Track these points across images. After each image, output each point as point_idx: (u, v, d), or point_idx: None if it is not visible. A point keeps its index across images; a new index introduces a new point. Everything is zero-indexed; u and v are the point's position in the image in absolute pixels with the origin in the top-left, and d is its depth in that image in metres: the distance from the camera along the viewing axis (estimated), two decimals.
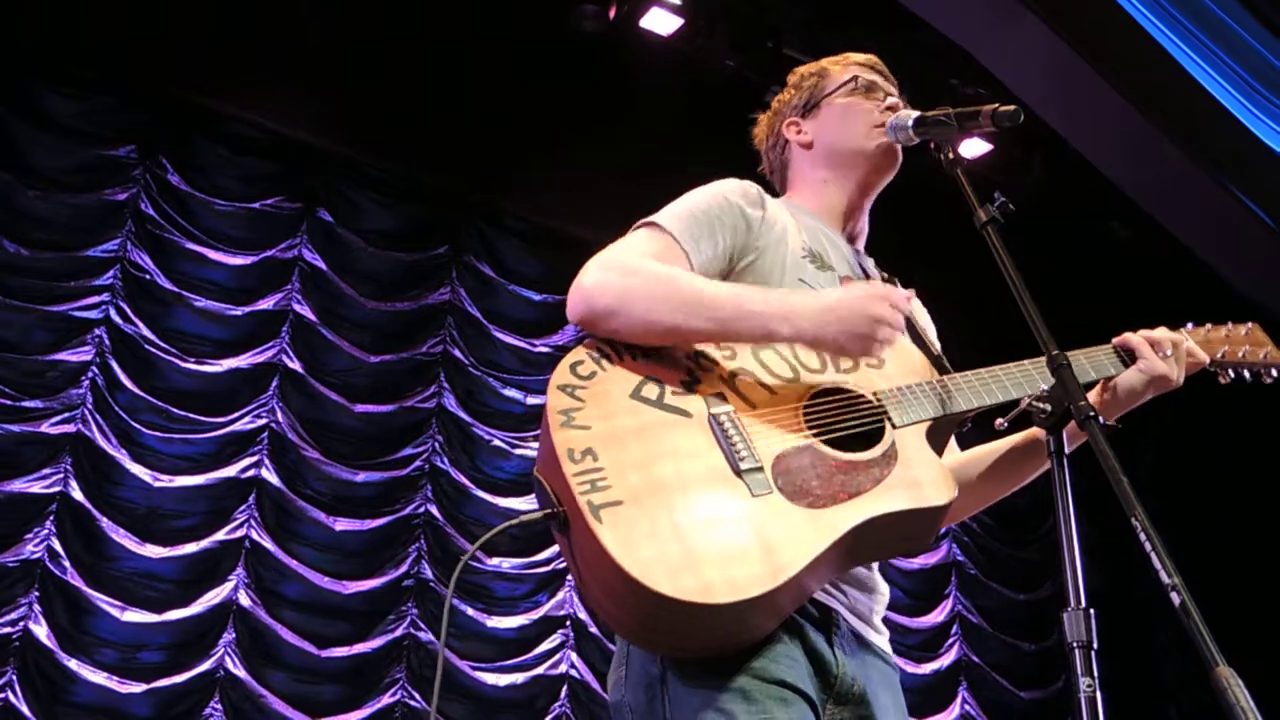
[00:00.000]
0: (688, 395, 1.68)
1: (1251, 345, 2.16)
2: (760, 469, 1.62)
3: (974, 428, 1.93)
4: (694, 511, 1.55)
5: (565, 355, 1.69)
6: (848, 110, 2.10)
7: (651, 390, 1.67)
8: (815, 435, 1.70)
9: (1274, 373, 2.18)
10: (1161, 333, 2.02)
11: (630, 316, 1.68)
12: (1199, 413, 8.38)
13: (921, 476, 1.71)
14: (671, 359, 1.71)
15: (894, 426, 1.74)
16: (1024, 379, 1.89)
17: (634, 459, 1.58)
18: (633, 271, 1.72)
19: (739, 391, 1.72)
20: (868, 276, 2.03)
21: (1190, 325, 2.14)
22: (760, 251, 1.88)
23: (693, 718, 1.59)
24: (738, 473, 1.61)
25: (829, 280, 1.94)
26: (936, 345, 1.99)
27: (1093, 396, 1.96)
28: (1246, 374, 2.15)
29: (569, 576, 6.62)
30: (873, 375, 1.81)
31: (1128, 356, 1.98)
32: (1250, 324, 2.20)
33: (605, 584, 1.53)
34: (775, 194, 2.15)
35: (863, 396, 1.77)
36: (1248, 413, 8.16)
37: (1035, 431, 1.99)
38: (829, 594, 1.73)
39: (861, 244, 2.14)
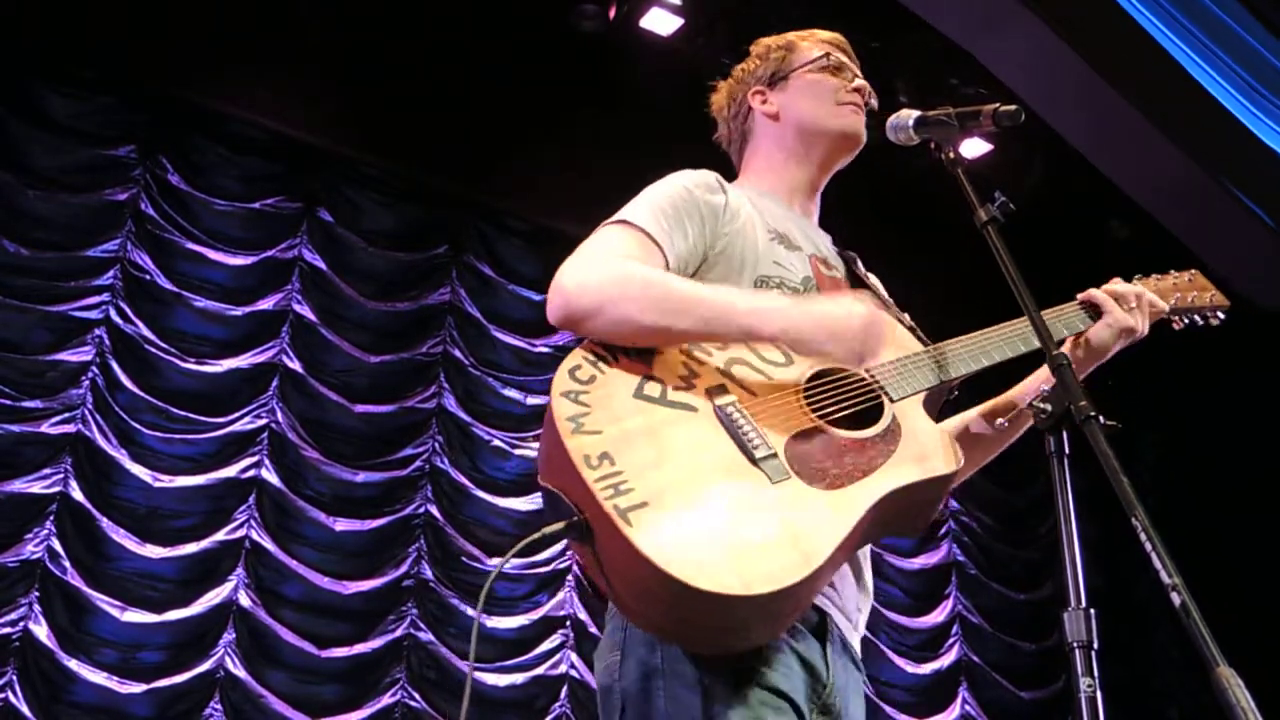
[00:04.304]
0: (689, 390, 1.68)
1: (1198, 290, 2.26)
2: (774, 455, 1.63)
3: (961, 394, 1.98)
4: (719, 505, 1.55)
5: (563, 360, 1.67)
6: (817, 86, 2.10)
7: (654, 388, 1.66)
8: (820, 417, 1.71)
9: (1220, 314, 2.27)
10: (1124, 286, 2.11)
11: (611, 318, 1.67)
12: (1200, 412, 8.38)
13: (928, 447, 1.74)
14: (667, 356, 1.71)
15: (892, 401, 1.77)
16: (1015, 338, 1.96)
17: (650, 459, 1.56)
18: (613, 272, 1.71)
19: (738, 381, 1.72)
20: (826, 260, 2.04)
21: (1139, 276, 2.22)
22: (730, 237, 1.88)
23: (687, 713, 1.59)
24: (753, 461, 1.61)
25: (799, 260, 1.95)
26: (906, 316, 2.01)
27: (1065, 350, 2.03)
28: (1198, 319, 2.26)
29: (569, 577, 6.62)
30: None
31: (1094, 311, 2.07)
32: (1192, 271, 2.30)
33: (638, 586, 1.52)
34: (730, 166, 2.17)
35: (856, 375, 1.79)
36: (1248, 413, 8.16)
37: (1010, 397, 2.08)
38: (823, 594, 1.74)
39: (816, 220, 2.14)
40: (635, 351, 1.70)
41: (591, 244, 1.78)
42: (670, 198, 1.85)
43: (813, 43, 2.16)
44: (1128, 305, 2.07)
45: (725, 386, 1.70)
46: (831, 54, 2.13)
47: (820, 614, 1.72)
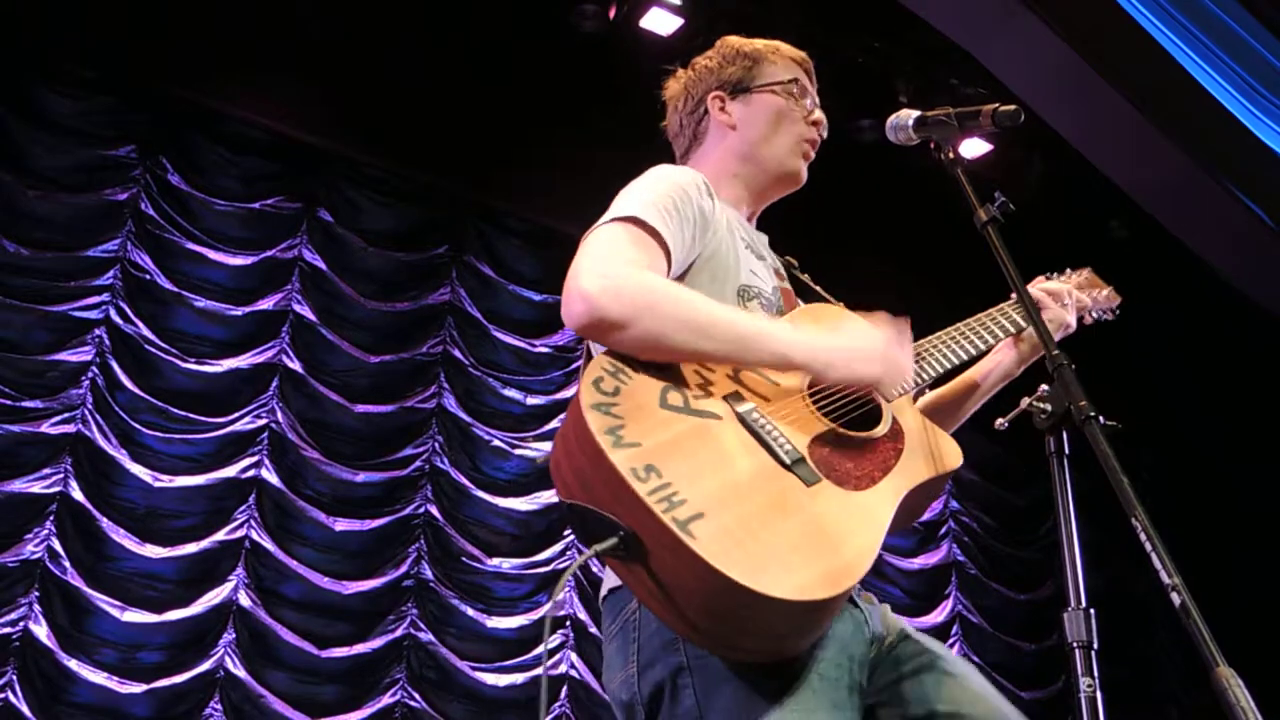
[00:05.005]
0: (708, 398, 1.67)
1: (1098, 288, 2.43)
2: (803, 459, 1.64)
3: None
4: (766, 511, 1.55)
5: (584, 372, 1.64)
6: (781, 116, 2.09)
7: (676, 398, 1.65)
8: (830, 418, 1.73)
9: (1115, 310, 2.46)
10: (1056, 284, 2.30)
11: (640, 333, 1.63)
12: (1200, 412, 8.38)
13: (932, 443, 1.80)
14: (679, 364, 1.70)
15: (888, 400, 1.81)
16: (994, 326, 2.10)
17: (691, 468, 1.55)
18: (643, 286, 1.66)
19: (749, 388, 1.72)
20: (778, 269, 2.06)
21: (1052, 275, 2.38)
22: (714, 244, 1.88)
23: (720, 704, 1.59)
24: (785, 466, 1.62)
25: (766, 270, 1.97)
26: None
27: (1004, 349, 2.20)
28: (1101, 314, 2.43)
29: (569, 577, 6.61)
30: None
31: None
32: (1087, 269, 2.45)
33: (699, 596, 1.49)
34: (670, 150, 2.18)
35: None
36: (1248, 412, 8.17)
37: (971, 376, 2.22)
38: None
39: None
40: (650, 362, 1.69)
41: (605, 243, 1.73)
42: (672, 197, 1.82)
43: (781, 61, 2.14)
44: (1062, 301, 2.24)
45: (740, 393, 1.70)
46: (798, 79, 2.12)
47: None
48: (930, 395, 2.21)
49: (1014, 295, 1.82)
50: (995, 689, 1.77)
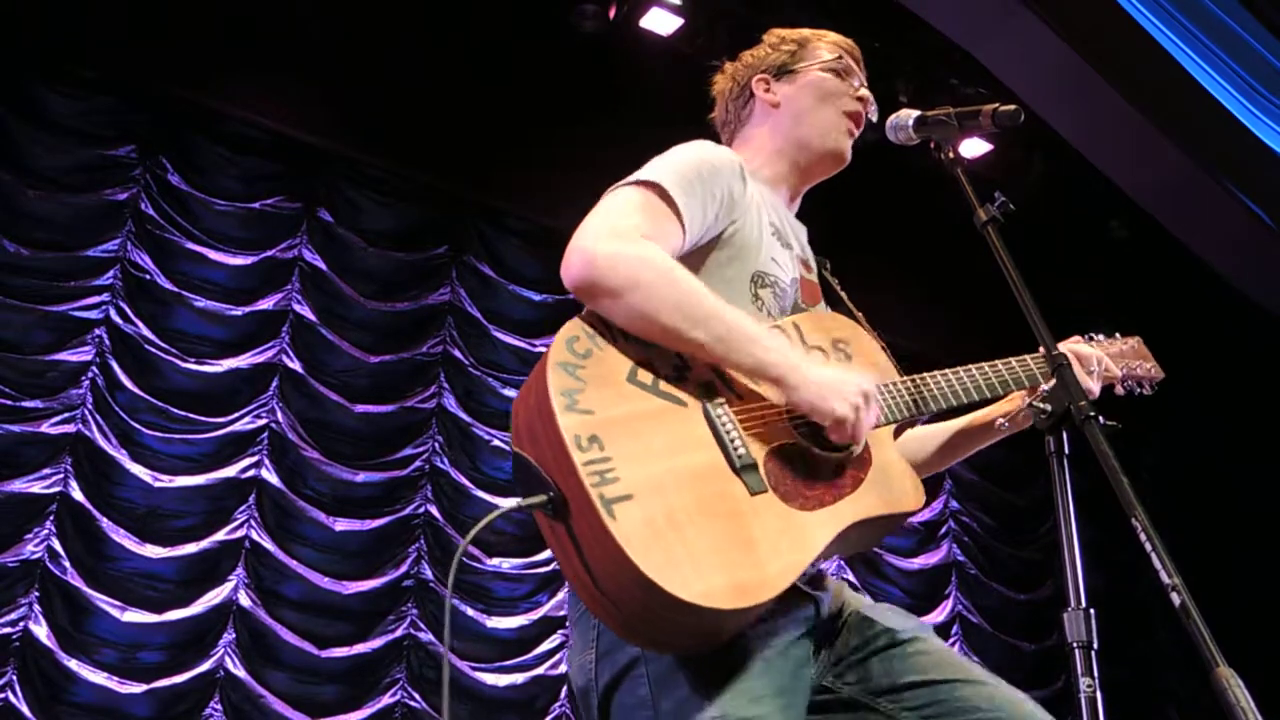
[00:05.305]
0: (680, 384, 1.66)
1: (1142, 360, 2.29)
2: (755, 466, 1.62)
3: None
4: (698, 511, 1.54)
5: (561, 329, 1.63)
6: (823, 88, 2.09)
7: (646, 376, 1.64)
8: (799, 432, 1.71)
9: (1155, 386, 2.31)
10: (1086, 349, 2.15)
11: (632, 304, 1.62)
12: (1200, 412, 8.38)
13: (895, 481, 1.76)
14: (663, 347, 1.69)
15: (830, 444, 1.76)
16: (995, 379, 1.98)
17: (637, 450, 1.55)
18: (645, 258, 1.65)
19: (727, 383, 1.71)
20: (807, 261, 2.04)
21: (1093, 336, 2.25)
22: (738, 223, 1.87)
23: (674, 696, 1.59)
24: (735, 470, 1.60)
25: (790, 259, 1.95)
26: (877, 336, 2.02)
27: (1016, 400, 2.08)
28: (1137, 387, 2.29)
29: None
30: None
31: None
32: (1136, 338, 2.33)
33: (611, 578, 1.51)
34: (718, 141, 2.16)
35: None
36: (1248, 412, 8.17)
37: (984, 415, 2.12)
38: None
39: (795, 211, 2.13)
40: (634, 337, 1.68)
41: (617, 205, 1.73)
42: (699, 171, 1.81)
43: (826, 44, 2.15)
44: (1088, 368, 2.10)
45: (715, 386, 1.69)
46: (843, 57, 2.12)
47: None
48: (935, 427, 2.15)
49: (1040, 349, 1.74)
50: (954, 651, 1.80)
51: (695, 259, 1.82)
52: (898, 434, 1.90)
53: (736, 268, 1.85)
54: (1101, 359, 2.14)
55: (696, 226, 1.78)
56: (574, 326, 1.64)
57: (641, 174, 1.79)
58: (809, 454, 1.70)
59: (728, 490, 1.59)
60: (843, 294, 2.08)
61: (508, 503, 1.59)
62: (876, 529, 1.75)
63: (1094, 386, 2.10)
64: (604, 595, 1.54)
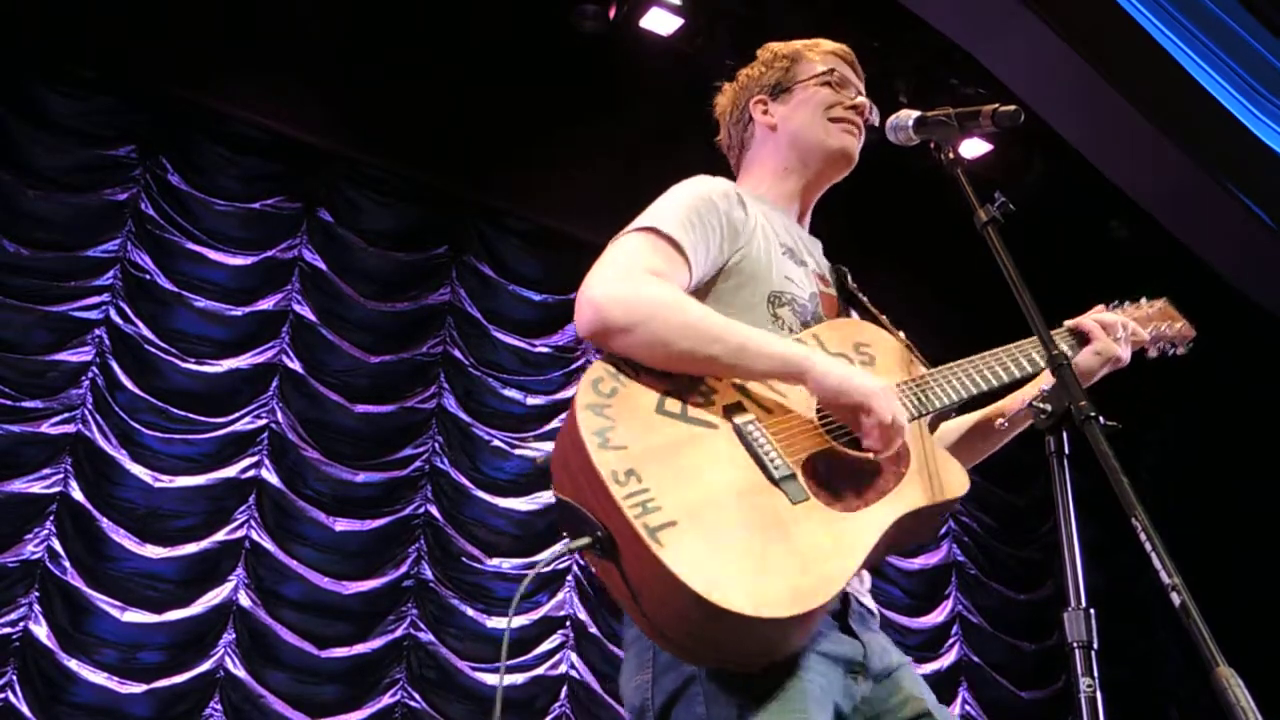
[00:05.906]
0: (708, 408, 1.67)
1: (1170, 320, 2.28)
2: (794, 476, 1.63)
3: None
4: (743, 526, 1.55)
5: (585, 373, 1.65)
6: (816, 101, 2.09)
7: (674, 405, 1.66)
8: (833, 437, 1.72)
9: (1189, 345, 2.30)
10: (1110, 315, 2.15)
11: (643, 337, 1.65)
12: (1200, 412, 8.38)
13: (936, 470, 1.76)
14: (687, 374, 1.71)
15: (863, 450, 1.77)
16: (1014, 361, 1.98)
17: (675, 476, 1.56)
18: (647, 291, 1.68)
19: (754, 400, 1.72)
20: (824, 275, 2.04)
21: (1118, 304, 2.25)
22: (744, 249, 1.88)
23: (729, 715, 1.60)
24: (774, 481, 1.61)
25: (806, 276, 1.96)
26: (901, 335, 2.01)
27: (1047, 378, 2.03)
28: (1168, 348, 2.27)
29: (569, 577, 6.62)
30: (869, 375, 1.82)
31: (1081, 338, 2.10)
32: (1163, 299, 2.32)
33: (666, 605, 1.51)
34: (729, 166, 2.17)
35: None
36: (1248, 412, 8.16)
37: (999, 408, 2.12)
38: None
39: (808, 228, 2.14)
40: (655, 369, 1.69)
41: (620, 252, 1.76)
42: (697, 208, 1.84)
43: (818, 55, 2.15)
44: (1115, 335, 2.10)
45: (742, 405, 1.70)
46: (836, 69, 2.13)
47: (843, 595, 1.74)
48: (956, 421, 2.14)
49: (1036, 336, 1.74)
50: None
51: (706, 292, 1.85)
52: (934, 426, 1.91)
53: (750, 292, 1.87)
54: (1127, 324, 2.14)
55: (701, 261, 1.81)
56: (597, 369, 1.66)
57: (640, 221, 1.81)
58: (846, 457, 1.71)
59: (769, 503, 1.59)
60: (864, 298, 2.08)
61: (556, 547, 1.61)
62: (927, 520, 1.75)
63: (1123, 353, 2.10)
64: (662, 622, 1.55)
